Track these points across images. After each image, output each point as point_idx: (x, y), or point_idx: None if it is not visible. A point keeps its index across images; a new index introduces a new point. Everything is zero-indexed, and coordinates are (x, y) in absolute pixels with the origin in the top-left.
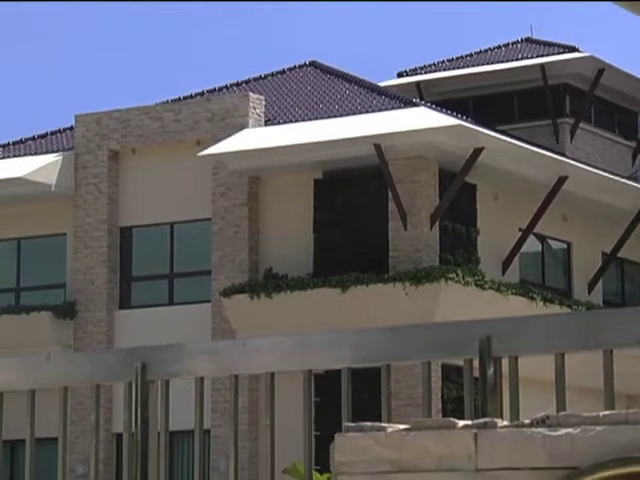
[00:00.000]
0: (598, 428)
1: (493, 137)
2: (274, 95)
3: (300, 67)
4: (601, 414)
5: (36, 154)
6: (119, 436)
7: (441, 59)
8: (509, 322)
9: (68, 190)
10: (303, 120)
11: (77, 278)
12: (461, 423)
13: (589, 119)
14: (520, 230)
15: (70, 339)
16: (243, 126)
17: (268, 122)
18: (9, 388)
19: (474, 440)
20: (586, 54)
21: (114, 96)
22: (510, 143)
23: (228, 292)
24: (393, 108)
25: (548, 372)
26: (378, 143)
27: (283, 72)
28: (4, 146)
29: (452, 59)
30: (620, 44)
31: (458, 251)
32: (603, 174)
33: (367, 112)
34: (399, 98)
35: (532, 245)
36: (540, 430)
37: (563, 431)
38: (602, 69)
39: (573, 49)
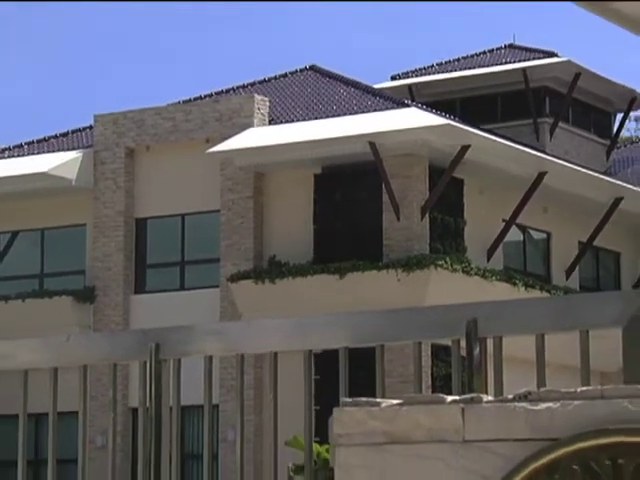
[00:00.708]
0: (576, 403)
1: (479, 135)
2: (277, 96)
3: (301, 71)
4: (578, 390)
5: (58, 151)
6: (135, 410)
7: (431, 63)
8: (493, 305)
9: (88, 184)
10: (304, 120)
11: (96, 265)
12: (449, 398)
13: (567, 119)
14: (503, 221)
15: (89, 321)
16: (249, 125)
17: (272, 122)
18: (33, 366)
19: (461, 414)
20: (564, 59)
21: (130, 97)
22: (494, 141)
23: (235, 278)
24: (387, 109)
25: (529, 351)
26: (373, 141)
27: (285, 75)
28: (29, 144)
29: (441, 63)
30: (596, 50)
31: (446, 240)
32: (580, 169)
33: (363, 112)
34: (392, 99)
35: (514, 235)
36: (522, 405)
37: (543, 405)
38: (579, 73)
39: (552, 54)
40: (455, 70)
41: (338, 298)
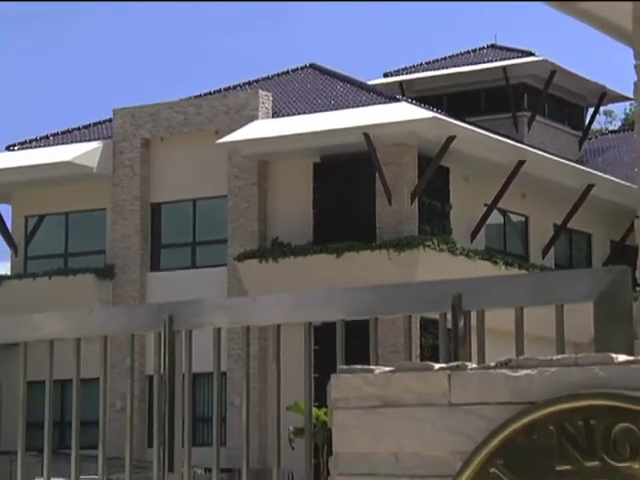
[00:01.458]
0: (552, 369)
1: (463, 127)
2: (279, 92)
3: (301, 69)
4: (554, 358)
5: (81, 142)
6: (150, 377)
7: (420, 62)
8: (477, 282)
9: (107, 172)
10: (304, 113)
11: (115, 245)
12: (437, 366)
13: (543, 113)
14: (485, 205)
15: (109, 296)
16: (253, 118)
17: (275, 115)
18: (59, 337)
19: (448, 380)
20: (541, 58)
21: (145, 93)
22: (478, 132)
23: (241, 257)
24: (379, 103)
25: (509, 324)
26: (367, 132)
27: (287, 73)
28: (54, 135)
29: (429, 62)
30: (570, 49)
31: (434, 223)
32: (555, 158)
33: (358, 106)
34: (384, 95)
35: (496, 218)
36: (503, 371)
37: (522, 372)
38: (554, 71)
39: (530, 54)
40: (442, 68)
41: (335, 276)
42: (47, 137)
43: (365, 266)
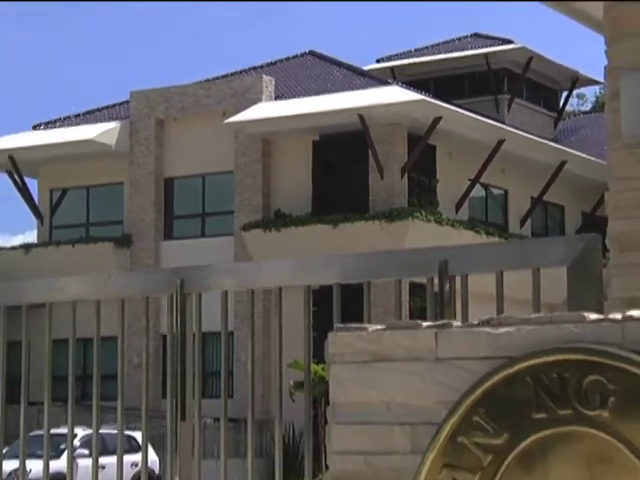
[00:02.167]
0: (529, 327)
1: (449, 109)
2: (282, 77)
3: (301, 55)
4: (531, 316)
5: (100, 121)
6: (164, 336)
7: (410, 49)
8: (461, 249)
9: (125, 149)
10: (304, 96)
11: (132, 216)
12: (425, 324)
13: (521, 95)
14: (469, 180)
15: (127, 263)
16: (258, 100)
17: (277, 97)
18: (81, 298)
19: (434, 337)
20: (519, 46)
21: (160, 77)
22: (462, 113)
23: (247, 227)
24: (373, 87)
25: (490, 287)
26: (361, 114)
27: (288, 59)
28: (76, 116)
29: (418, 49)
30: (546, 37)
31: (422, 196)
32: (532, 137)
33: (353, 90)
34: (377, 79)
35: (478, 191)
36: (485, 329)
37: (502, 330)
38: (532, 57)
39: (510, 42)
40: (430, 54)
41: (332, 243)
42: (70, 117)
43: (359, 235)
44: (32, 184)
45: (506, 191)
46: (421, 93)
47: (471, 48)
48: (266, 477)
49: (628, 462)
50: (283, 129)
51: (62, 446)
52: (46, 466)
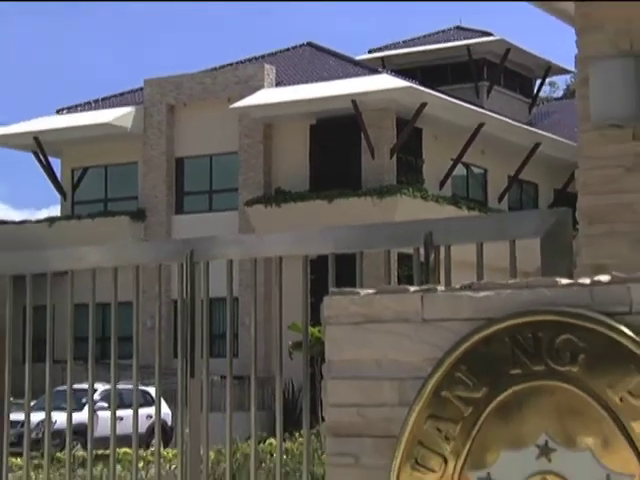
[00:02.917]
0: (507, 291)
1: (434, 95)
2: (282, 66)
3: (300, 46)
4: (509, 282)
5: (117, 106)
6: (175, 301)
7: (398, 40)
8: (445, 222)
9: (139, 131)
10: (302, 83)
11: (145, 193)
12: (412, 288)
13: (500, 83)
14: (452, 160)
15: (141, 234)
16: (260, 87)
17: (278, 85)
18: (99, 266)
19: (421, 300)
20: (498, 38)
21: (171, 65)
22: (445, 99)
23: (250, 203)
24: (365, 75)
25: (472, 257)
26: (354, 99)
27: (288, 50)
28: (95, 101)
29: (406, 40)
30: (522, 30)
31: (409, 175)
32: (509, 121)
33: (347, 78)
34: (369, 68)
35: (460, 170)
36: (467, 293)
37: (482, 293)
38: (509, 49)
39: (489, 34)
40: (416, 45)
41: (327, 218)
42: (90, 103)
43: (352, 210)
44: (56, 163)
45: (485, 170)
46: (408, 81)
47: (454, 40)
48: (268, 428)
49: (595, 413)
50: (283, 114)
51: (83, 400)
52: (69, 417)
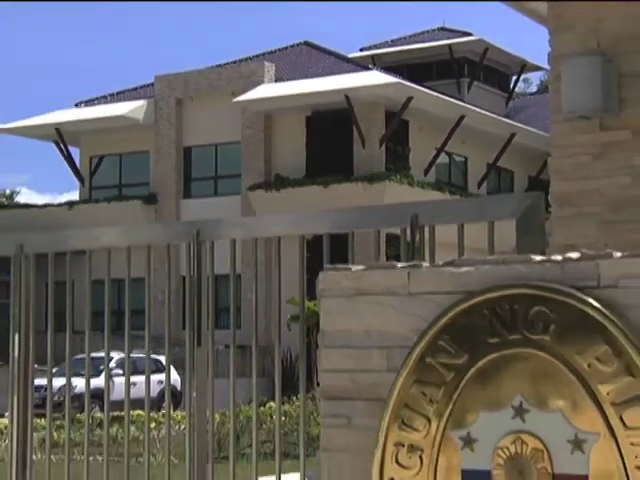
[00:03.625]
0: (486, 267)
1: (419, 90)
2: (281, 63)
3: (298, 45)
4: (487, 258)
5: (130, 100)
6: (183, 277)
7: (387, 40)
8: (429, 204)
9: (150, 123)
10: (299, 79)
11: (156, 179)
12: (399, 265)
13: (479, 79)
14: (436, 149)
15: (153, 217)
16: (261, 82)
17: (277, 80)
18: (114, 245)
19: (407, 275)
20: (477, 38)
21: (179, 62)
22: (430, 94)
23: (252, 188)
24: (356, 71)
25: (453, 237)
26: (347, 94)
27: (286, 48)
28: (111, 95)
29: (394, 40)
30: (499, 30)
31: (397, 162)
32: (487, 114)
33: (340, 74)
34: (360, 65)
35: (443, 158)
36: (449, 268)
37: (463, 269)
38: (487, 48)
39: (469, 34)
40: (404, 44)
41: (322, 201)
42: (105, 97)
43: (345, 194)
44: (75, 152)
45: (466, 158)
46: (396, 77)
47: (438, 40)
48: (267, 393)
49: (565, 377)
50: (282, 106)
51: (100, 367)
52: (87, 383)
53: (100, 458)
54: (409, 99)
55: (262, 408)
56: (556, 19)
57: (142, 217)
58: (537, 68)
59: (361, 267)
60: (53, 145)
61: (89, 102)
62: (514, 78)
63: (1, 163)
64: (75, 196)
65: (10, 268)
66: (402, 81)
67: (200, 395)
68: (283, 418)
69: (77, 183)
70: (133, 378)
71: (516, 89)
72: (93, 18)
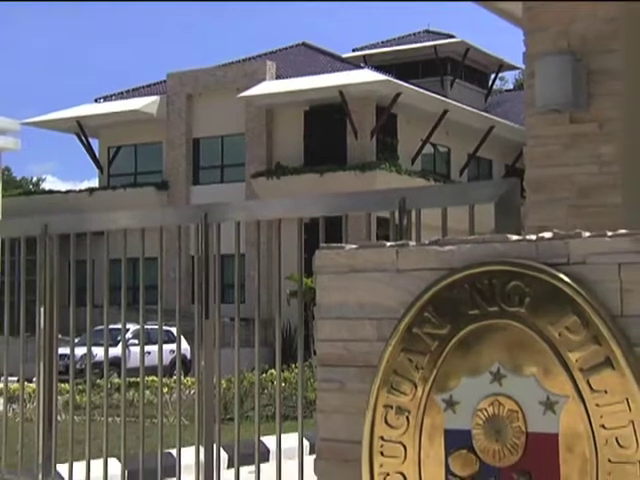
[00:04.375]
0: (467, 245)
1: (407, 87)
2: (281, 62)
3: (296, 46)
4: (468, 238)
5: (145, 96)
6: (193, 257)
7: (378, 41)
8: (415, 190)
9: (163, 116)
10: (298, 76)
11: (168, 167)
12: (388, 244)
13: (461, 77)
14: (421, 140)
15: (165, 202)
16: (263, 79)
17: (277, 78)
18: (130, 227)
19: (396, 254)
20: (459, 39)
21: (189, 61)
22: (416, 90)
23: (255, 175)
24: (350, 69)
25: (437, 220)
26: (341, 90)
27: (286, 48)
28: (127, 91)
29: (384, 41)
30: (479, 31)
31: (386, 153)
32: (468, 108)
33: (335, 72)
34: (353, 64)
35: (428, 149)
36: (434, 247)
37: (447, 248)
38: (468, 48)
39: (452, 36)
40: (393, 45)
41: (319, 188)
42: (122, 93)
43: (339, 182)
44: (94, 143)
45: (449, 149)
46: (386, 75)
47: (423, 41)
48: (269, 361)
49: (538, 346)
50: (282, 102)
51: (118, 337)
52: (106, 351)
53: (118, 419)
54: (397, 95)
55: (264, 375)
56: (530, 21)
57: (155, 202)
58: (513, 67)
59: (354, 246)
60: (75, 137)
61: (107, 98)
62: (492, 76)
63: (29, 153)
64: (95, 183)
65: (36, 248)
66: (391, 79)
67: (208, 363)
68: (283, 384)
69: (97, 171)
70: (147, 347)
71: (494, 86)
72: (112, 21)
